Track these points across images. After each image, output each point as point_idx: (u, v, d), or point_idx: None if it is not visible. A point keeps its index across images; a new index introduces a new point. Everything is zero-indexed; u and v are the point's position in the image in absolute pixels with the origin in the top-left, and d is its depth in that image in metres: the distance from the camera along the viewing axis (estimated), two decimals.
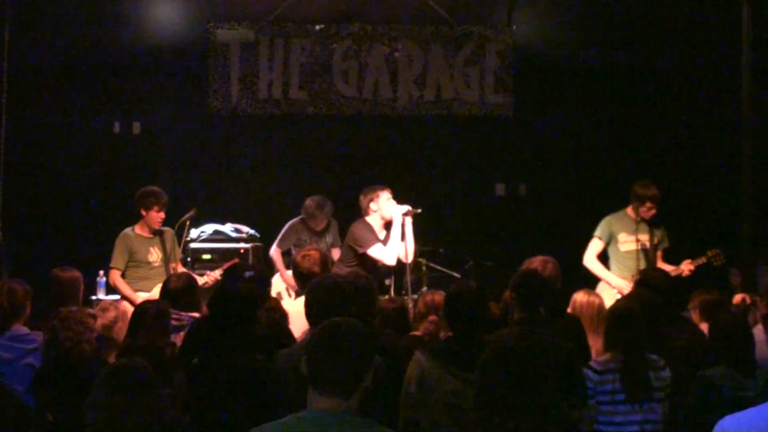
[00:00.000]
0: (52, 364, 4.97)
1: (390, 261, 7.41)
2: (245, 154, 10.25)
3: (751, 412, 2.68)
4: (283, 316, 5.63)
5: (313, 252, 6.13)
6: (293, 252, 8.28)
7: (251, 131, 10.27)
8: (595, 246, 7.85)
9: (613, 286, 7.57)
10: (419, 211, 7.48)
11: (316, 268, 5.97)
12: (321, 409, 2.92)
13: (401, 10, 10.34)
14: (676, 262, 7.81)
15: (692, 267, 7.66)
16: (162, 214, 7.62)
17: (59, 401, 4.91)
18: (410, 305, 7.20)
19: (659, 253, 7.87)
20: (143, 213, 7.62)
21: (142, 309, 5.35)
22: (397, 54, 10.22)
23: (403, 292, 7.49)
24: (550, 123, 10.43)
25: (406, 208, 7.44)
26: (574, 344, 5.36)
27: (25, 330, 5.53)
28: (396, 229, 7.40)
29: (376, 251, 7.38)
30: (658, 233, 7.84)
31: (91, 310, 5.25)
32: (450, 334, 4.47)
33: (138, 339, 5.06)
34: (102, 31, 9.99)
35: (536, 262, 5.78)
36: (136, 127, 10.07)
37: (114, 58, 10.00)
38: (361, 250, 7.37)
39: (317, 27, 10.17)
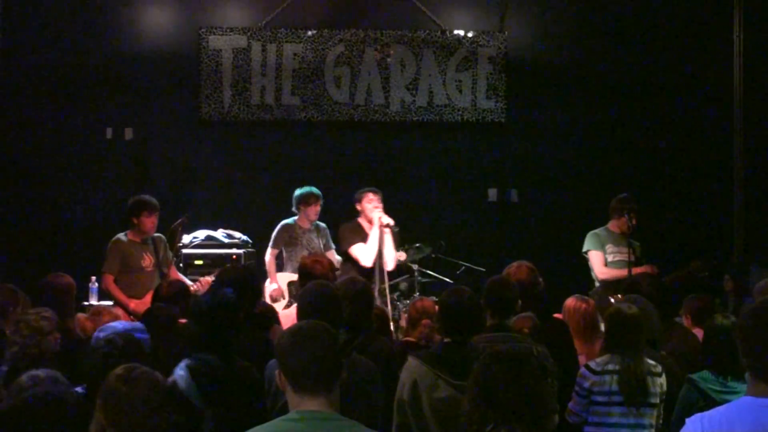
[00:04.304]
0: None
1: (365, 262, 7.71)
2: (237, 160, 10.25)
3: (722, 408, 2.77)
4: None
5: (323, 258, 6.14)
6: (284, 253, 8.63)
7: (243, 137, 10.27)
8: (597, 258, 7.82)
9: (625, 272, 7.55)
10: (396, 228, 7.80)
11: (327, 274, 5.92)
12: (305, 410, 2.94)
13: (393, 16, 10.37)
14: (667, 271, 7.87)
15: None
16: (154, 219, 7.65)
17: None
18: (402, 310, 7.28)
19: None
20: (135, 221, 7.63)
21: (152, 313, 5.33)
22: (389, 60, 10.24)
23: (397, 293, 7.67)
24: (542, 129, 10.47)
25: (387, 221, 7.69)
26: (563, 349, 5.39)
27: None
28: (373, 235, 7.71)
29: (355, 250, 7.74)
30: (638, 248, 7.90)
31: (47, 313, 5.12)
32: (444, 339, 4.47)
33: None
34: (94, 38, 10.01)
35: (513, 267, 5.82)
36: (129, 133, 10.05)
37: (106, 64, 10.02)
38: (341, 249, 7.78)
39: (309, 33, 10.18)
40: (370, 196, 7.84)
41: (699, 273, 7.87)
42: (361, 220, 7.87)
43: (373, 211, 7.75)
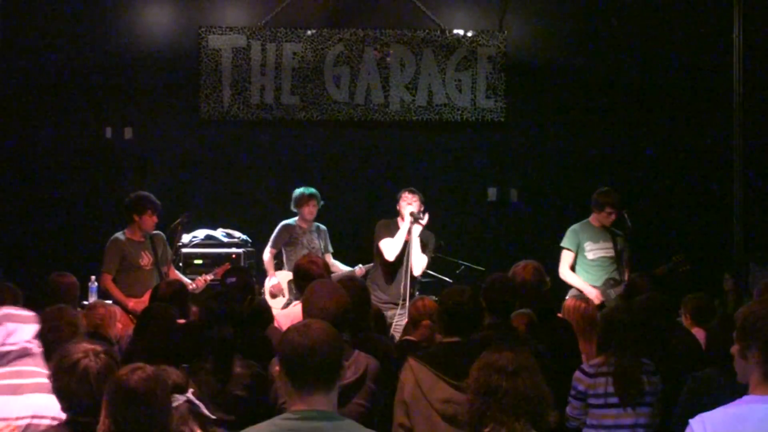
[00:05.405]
0: None
1: (388, 257, 7.75)
2: (237, 160, 10.24)
3: (725, 408, 2.74)
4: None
5: (318, 259, 6.15)
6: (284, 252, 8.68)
7: (243, 136, 10.27)
8: (566, 257, 7.86)
9: (586, 293, 7.48)
10: (420, 217, 7.73)
11: (323, 274, 5.91)
12: (304, 409, 2.94)
13: (393, 16, 10.37)
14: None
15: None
16: (155, 218, 7.68)
17: None
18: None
19: (626, 262, 7.92)
20: (136, 218, 7.63)
21: (149, 312, 5.32)
22: (388, 59, 10.24)
23: (402, 301, 7.59)
24: (541, 128, 10.46)
25: (412, 209, 7.74)
26: (567, 348, 5.39)
27: None
28: (401, 231, 7.75)
29: (382, 244, 7.82)
30: (621, 241, 7.88)
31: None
32: (444, 338, 4.47)
33: (142, 342, 5.02)
34: (94, 37, 10.01)
35: (520, 266, 5.82)
36: (128, 133, 10.05)
37: (106, 63, 10.01)
38: (374, 244, 7.87)
39: (309, 32, 10.18)
40: (405, 194, 7.90)
41: (681, 268, 7.86)
42: (399, 220, 7.91)
43: (406, 207, 7.80)
